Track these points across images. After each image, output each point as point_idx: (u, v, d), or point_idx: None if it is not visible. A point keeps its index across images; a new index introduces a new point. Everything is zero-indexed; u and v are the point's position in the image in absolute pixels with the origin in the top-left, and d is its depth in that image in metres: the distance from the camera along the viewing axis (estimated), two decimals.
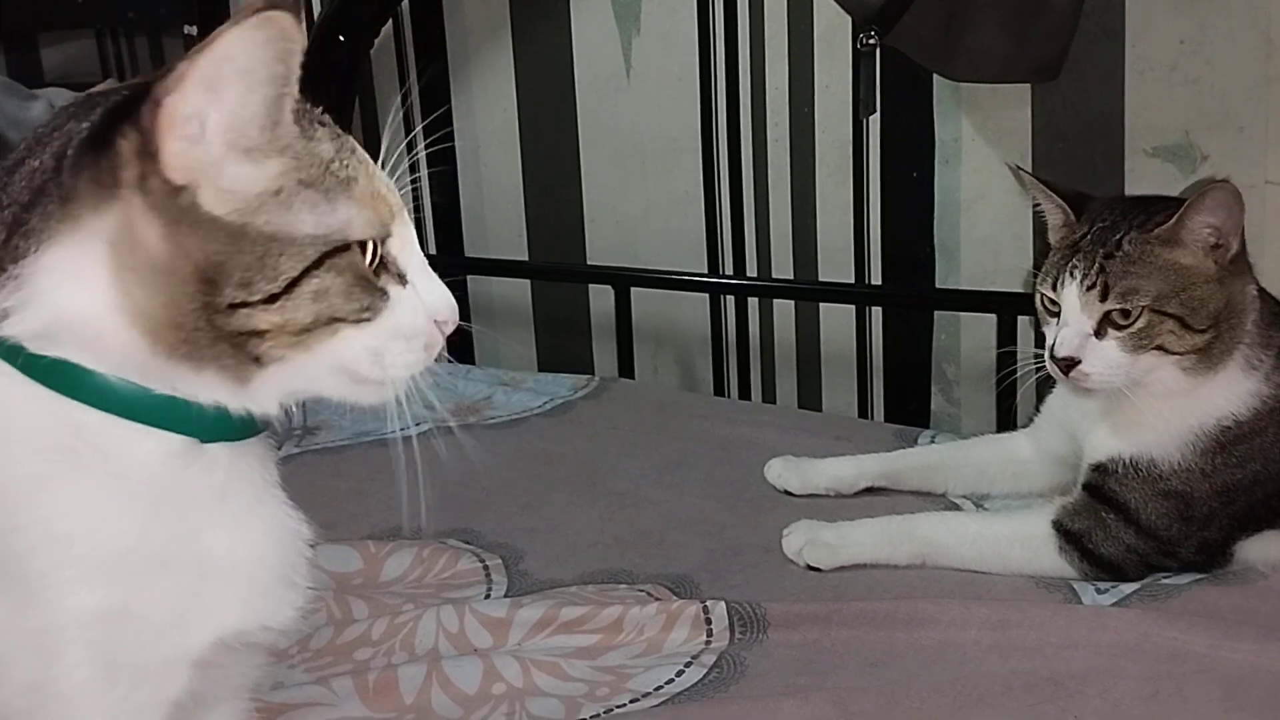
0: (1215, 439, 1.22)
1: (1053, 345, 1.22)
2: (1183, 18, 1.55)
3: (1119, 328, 1.20)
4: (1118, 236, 1.21)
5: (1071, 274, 1.22)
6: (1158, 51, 1.57)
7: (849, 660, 1.14)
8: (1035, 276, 1.30)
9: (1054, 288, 1.24)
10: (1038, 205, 1.33)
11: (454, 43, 2.10)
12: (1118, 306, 1.19)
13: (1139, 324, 1.19)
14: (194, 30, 2.11)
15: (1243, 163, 1.55)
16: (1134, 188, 1.61)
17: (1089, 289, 1.20)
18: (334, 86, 2.10)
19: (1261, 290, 1.25)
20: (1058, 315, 1.24)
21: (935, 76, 1.69)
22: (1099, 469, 1.26)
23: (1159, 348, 1.20)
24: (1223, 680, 1.07)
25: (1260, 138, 1.54)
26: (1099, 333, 1.20)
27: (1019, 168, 1.46)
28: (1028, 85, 1.64)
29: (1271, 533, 1.24)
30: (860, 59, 1.60)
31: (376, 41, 2.10)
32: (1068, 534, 1.26)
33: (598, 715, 1.08)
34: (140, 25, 2.31)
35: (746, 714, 1.06)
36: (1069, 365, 1.21)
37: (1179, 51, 1.56)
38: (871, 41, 1.56)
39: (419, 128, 2.16)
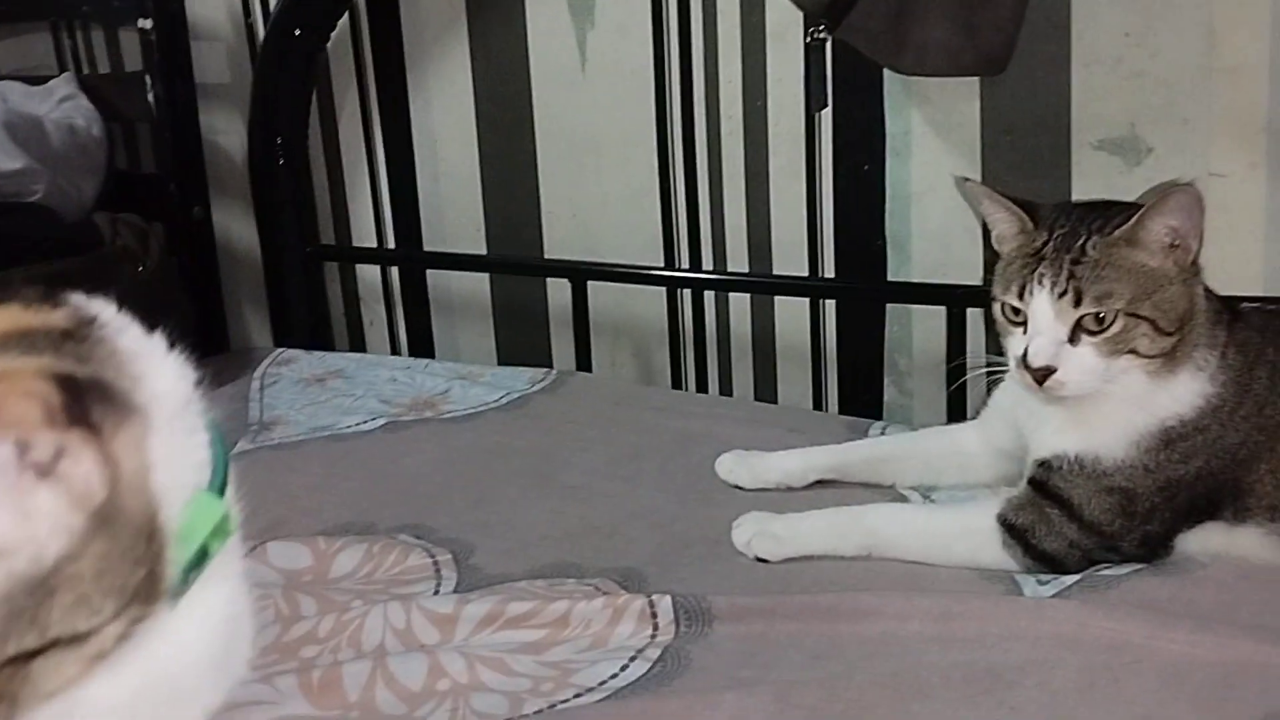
0: (1160, 437, 1.23)
1: (1024, 355, 1.22)
2: (1128, 11, 1.56)
3: (1093, 333, 1.20)
4: (1080, 242, 1.21)
5: (1040, 282, 1.21)
6: (1103, 44, 1.58)
7: (792, 652, 1.15)
8: (990, 286, 1.29)
9: (1020, 297, 1.23)
10: (986, 215, 1.32)
11: (410, 36, 2.09)
12: (1092, 311, 1.19)
13: (1114, 328, 1.20)
14: (148, 24, 2.09)
15: (1187, 155, 1.56)
16: (1081, 180, 1.62)
17: (1061, 296, 1.20)
18: (290, 81, 2.09)
19: (1207, 289, 1.26)
20: (1022, 325, 1.24)
21: (885, 70, 1.69)
22: (1044, 465, 1.27)
23: (1132, 351, 1.20)
24: (1158, 670, 1.08)
25: (1204, 130, 1.56)
26: (1072, 339, 1.21)
27: (966, 179, 1.46)
28: (976, 79, 1.65)
29: (1212, 524, 1.25)
30: (810, 53, 1.60)
31: (333, 35, 2.10)
32: (1012, 528, 1.27)
33: (541, 711, 1.08)
34: (95, 18, 2.30)
35: (689, 707, 1.07)
36: (1044, 374, 1.21)
37: (1124, 44, 1.57)
38: (821, 35, 1.57)
39: (377, 122, 2.16)
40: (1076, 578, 1.24)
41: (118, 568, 0.54)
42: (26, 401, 0.52)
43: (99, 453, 0.54)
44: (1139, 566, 1.24)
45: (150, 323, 0.65)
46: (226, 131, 2.27)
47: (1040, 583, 1.24)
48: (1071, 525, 1.25)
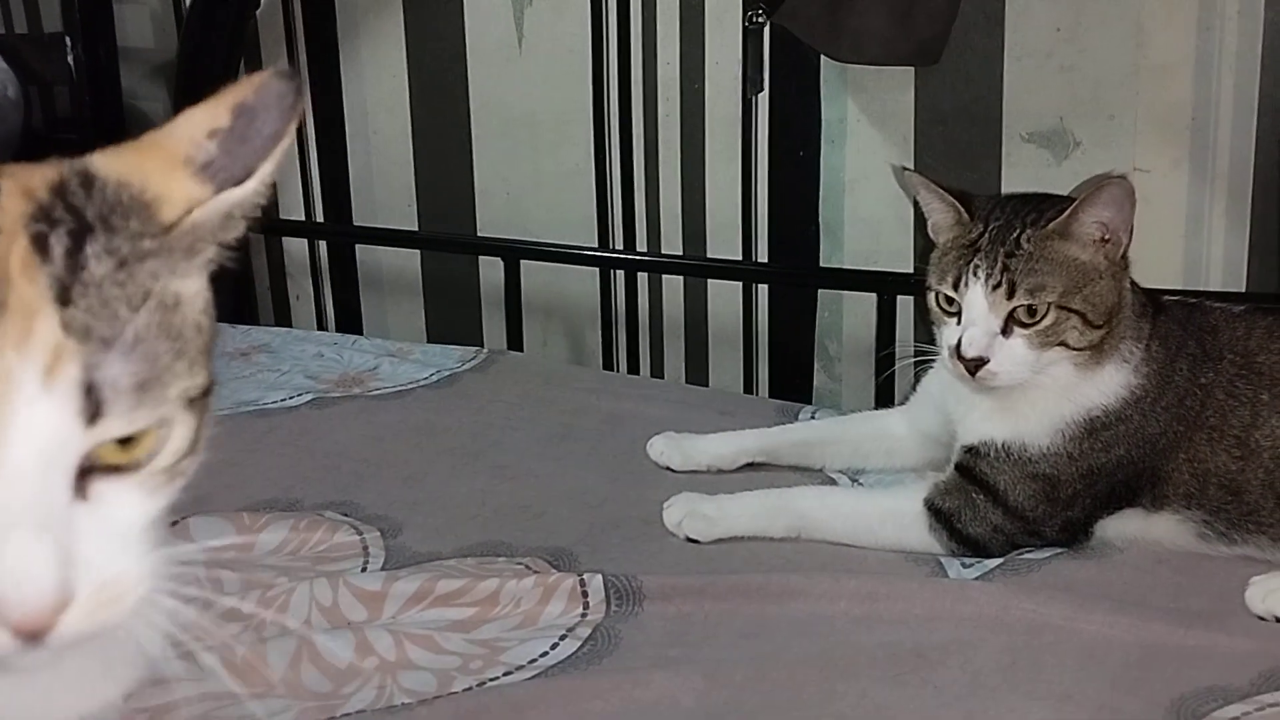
0: (1084, 427, 1.26)
1: (957, 345, 1.24)
2: (1059, 5, 1.59)
3: (1025, 325, 1.22)
4: (1015, 235, 1.24)
5: (975, 274, 1.23)
6: (1035, 38, 1.61)
7: (721, 632, 1.16)
8: (924, 274, 1.31)
9: (955, 287, 1.25)
10: (923, 204, 1.33)
11: (343, 5, 2.05)
12: (1025, 303, 1.22)
13: (1046, 321, 1.22)
14: None
15: (1113, 150, 1.60)
16: (1010, 172, 1.65)
17: (995, 288, 1.22)
18: (217, 48, 2.05)
19: (1133, 283, 1.29)
20: (956, 315, 1.26)
21: (823, 57, 1.70)
22: (971, 451, 1.30)
23: (1062, 343, 1.23)
24: (1077, 650, 1.11)
25: (1130, 125, 1.59)
26: (1005, 331, 1.23)
27: (905, 168, 1.48)
28: (911, 69, 1.67)
29: (1130, 511, 1.28)
30: (748, 38, 1.61)
31: (263, 1, 2.05)
32: (938, 512, 1.29)
33: (470, 688, 1.08)
34: None
35: (617, 686, 1.07)
36: (977, 365, 1.23)
37: (1055, 39, 1.60)
38: (759, 20, 1.57)
39: (307, 92, 2.12)
40: (999, 561, 1.26)
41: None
42: None
43: None
44: (1059, 551, 1.27)
45: None
46: (149, 97, 2.21)
47: (964, 566, 1.27)
48: (996, 510, 1.27)
